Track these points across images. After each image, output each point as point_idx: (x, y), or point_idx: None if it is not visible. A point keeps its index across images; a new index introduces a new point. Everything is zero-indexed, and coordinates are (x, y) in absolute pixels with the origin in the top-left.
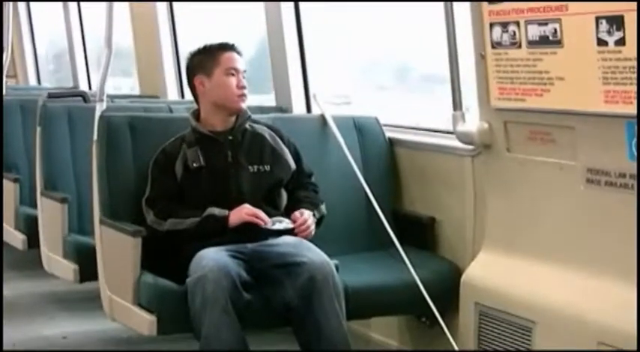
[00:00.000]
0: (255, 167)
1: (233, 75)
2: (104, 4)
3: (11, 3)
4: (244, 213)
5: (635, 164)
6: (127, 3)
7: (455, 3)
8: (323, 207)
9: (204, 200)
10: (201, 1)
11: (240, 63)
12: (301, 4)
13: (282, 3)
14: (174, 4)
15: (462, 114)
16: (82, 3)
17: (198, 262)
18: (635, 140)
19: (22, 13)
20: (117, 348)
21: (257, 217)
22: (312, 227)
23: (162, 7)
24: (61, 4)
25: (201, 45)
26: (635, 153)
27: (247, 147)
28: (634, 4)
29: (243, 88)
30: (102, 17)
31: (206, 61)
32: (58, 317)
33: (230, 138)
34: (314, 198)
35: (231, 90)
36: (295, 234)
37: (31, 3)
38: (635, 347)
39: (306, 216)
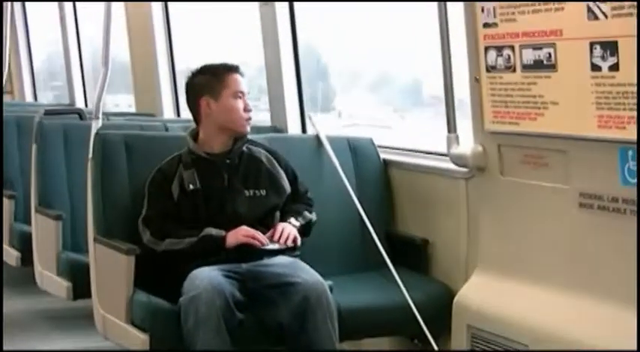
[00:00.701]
0: (252, 191)
1: (240, 97)
2: (101, 20)
3: (9, 19)
4: (242, 234)
5: (628, 189)
6: (124, 20)
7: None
8: (309, 214)
9: (201, 221)
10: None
11: (245, 85)
12: (298, 26)
13: (279, 25)
14: (172, 23)
15: (456, 136)
16: (79, 20)
17: (192, 281)
18: (628, 165)
19: (20, 29)
20: None
21: (254, 238)
22: (289, 232)
23: (159, 26)
24: (58, 21)
25: (201, 64)
26: (629, 179)
27: (244, 170)
28: (628, 30)
29: (250, 111)
30: (99, 34)
31: (213, 82)
32: (52, 335)
33: (227, 161)
34: (298, 207)
35: (239, 114)
36: (293, 249)
37: (29, 19)
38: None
39: (279, 227)
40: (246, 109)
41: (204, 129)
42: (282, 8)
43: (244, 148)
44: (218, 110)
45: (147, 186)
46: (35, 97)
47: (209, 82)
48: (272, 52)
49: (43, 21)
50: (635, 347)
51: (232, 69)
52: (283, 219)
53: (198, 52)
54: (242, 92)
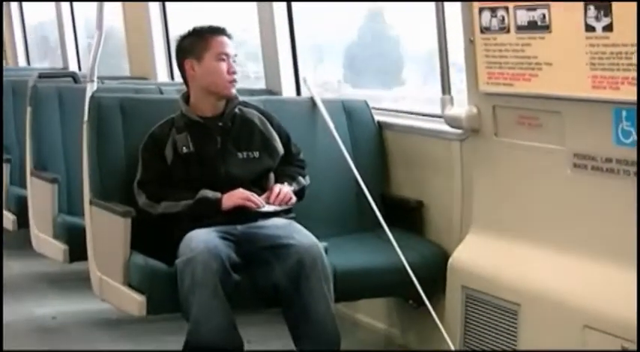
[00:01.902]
0: (245, 153)
1: (224, 60)
2: None
3: None
4: (237, 197)
5: (621, 149)
6: None
7: None
8: (302, 179)
9: (195, 183)
10: None
11: (231, 47)
12: None
13: None
14: None
15: (450, 98)
16: None
17: (188, 243)
18: (621, 125)
19: None
20: (108, 328)
21: (250, 200)
22: (286, 193)
23: None
24: None
25: (191, 27)
26: (622, 139)
27: (237, 133)
28: None
29: (234, 73)
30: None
31: (196, 44)
32: (49, 297)
33: (220, 124)
34: (292, 170)
35: (221, 76)
36: (288, 211)
37: None
38: (633, 338)
39: (276, 189)
40: (230, 72)
41: (192, 92)
42: None
43: (237, 110)
44: (201, 72)
45: (140, 151)
46: (28, 63)
47: (193, 45)
48: (266, 13)
49: None
50: (633, 306)
51: (216, 31)
52: (278, 182)
53: (195, 14)
54: (226, 54)
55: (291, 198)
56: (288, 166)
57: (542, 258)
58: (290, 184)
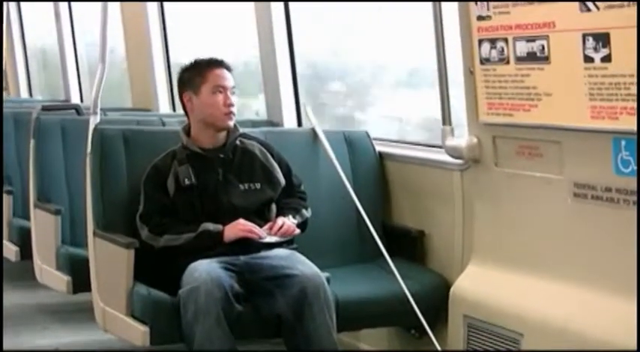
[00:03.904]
0: (246, 185)
1: (220, 92)
2: (97, 16)
3: (4, 16)
4: (239, 228)
5: (621, 179)
6: (119, 16)
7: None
8: (305, 211)
9: (198, 215)
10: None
11: (229, 80)
12: (293, 19)
13: (273, 18)
14: (167, 18)
15: (451, 128)
16: (74, 15)
17: (191, 273)
18: (621, 155)
19: (15, 26)
20: None
21: (252, 232)
22: (289, 226)
23: (154, 22)
24: (53, 17)
25: (191, 59)
26: (622, 169)
27: (238, 164)
28: (620, 22)
29: (231, 105)
30: (95, 31)
31: (194, 77)
32: (51, 328)
33: (221, 156)
34: (295, 203)
35: (217, 109)
36: (290, 242)
37: (24, 16)
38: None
39: (280, 221)
40: (226, 104)
41: (192, 124)
42: (277, 4)
43: (237, 142)
44: (198, 105)
45: (142, 183)
46: (30, 94)
47: (191, 78)
48: (267, 45)
49: (37, 18)
50: (633, 336)
51: (213, 63)
52: (281, 215)
53: (196, 46)
54: (223, 87)
55: (294, 231)
56: (291, 198)
57: (544, 287)
58: (294, 217)
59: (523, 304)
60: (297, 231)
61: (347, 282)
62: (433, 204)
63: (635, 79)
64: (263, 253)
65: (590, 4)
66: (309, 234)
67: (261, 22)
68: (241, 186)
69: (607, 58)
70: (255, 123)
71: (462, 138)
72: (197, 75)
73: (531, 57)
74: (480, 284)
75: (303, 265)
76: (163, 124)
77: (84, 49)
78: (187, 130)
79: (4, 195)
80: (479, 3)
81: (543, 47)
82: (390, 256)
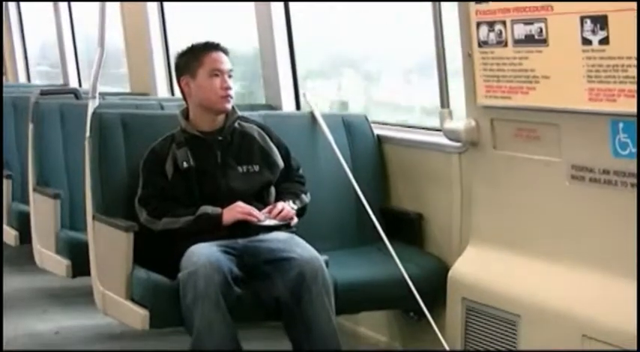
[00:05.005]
0: (245, 167)
1: (217, 75)
2: (95, 2)
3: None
4: (237, 211)
5: (619, 161)
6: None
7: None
8: (305, 196)
9: (196, 198)
10: (190, 1)
11: (225, 63)
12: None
13: (272, 3)
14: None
15: (449, 111)
16: (72, 2)
17: (190, 257)
18: (618, 137)
19: (12, 11)
20: (110, 342)
21: (250, 215)
22: (288, 211)
23: (152, 5)
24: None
25: (188, 44)
26: (620, 151)
27: (236, 147)
28: (617, 5)
29: (228, 88)
30: (93, 15)
31: (191, 61)
32: (51, 312)
33: (219, 138)
34: (294, 188)
35: (214, 92)
36: (288, 226)
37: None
38: (633, 348)
39: (279, 205)
40: (223, 87)
41: (190, 108)
42: None
43: (236, 125)
44: (195, 89)
45: (141, 167)
46: (28, 79)
47: (188, 62)
48: (265, 29)
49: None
50: (631, 318)
51: (210, 47)
52: (281, 199)
53: (195, 30)
54: (219, 70)
55: (292, 217)
56: (291, 183)
57: (542, 269)
58: (294, 202)
59: (521, 286)
60: (295, 219)
61: (345, 265)
62: (431, 187)
63: (633, 61)
64: (262, 236)
65: None
66: (307, 218)
67: (259, 6)
68: (240, 169)
69: (605, 41)
70: (253, 107)
71: (460, 121)
72: (193, 59)
73: (529, 39)
74: (479, 267)
75: (301, 248)
76: (162, 108)
77: (83, 38)
78: (186, 114)
79: (4, 180)
80: None
81: (541, 30)
82: (389, 239)
